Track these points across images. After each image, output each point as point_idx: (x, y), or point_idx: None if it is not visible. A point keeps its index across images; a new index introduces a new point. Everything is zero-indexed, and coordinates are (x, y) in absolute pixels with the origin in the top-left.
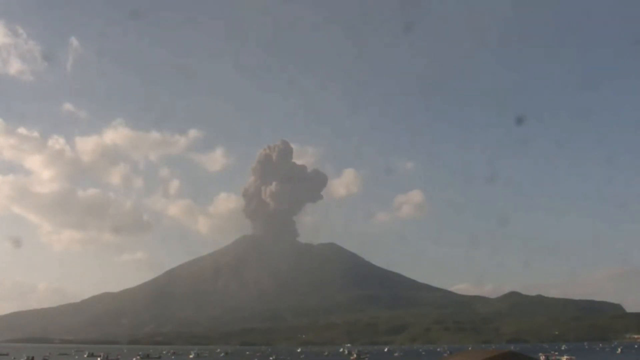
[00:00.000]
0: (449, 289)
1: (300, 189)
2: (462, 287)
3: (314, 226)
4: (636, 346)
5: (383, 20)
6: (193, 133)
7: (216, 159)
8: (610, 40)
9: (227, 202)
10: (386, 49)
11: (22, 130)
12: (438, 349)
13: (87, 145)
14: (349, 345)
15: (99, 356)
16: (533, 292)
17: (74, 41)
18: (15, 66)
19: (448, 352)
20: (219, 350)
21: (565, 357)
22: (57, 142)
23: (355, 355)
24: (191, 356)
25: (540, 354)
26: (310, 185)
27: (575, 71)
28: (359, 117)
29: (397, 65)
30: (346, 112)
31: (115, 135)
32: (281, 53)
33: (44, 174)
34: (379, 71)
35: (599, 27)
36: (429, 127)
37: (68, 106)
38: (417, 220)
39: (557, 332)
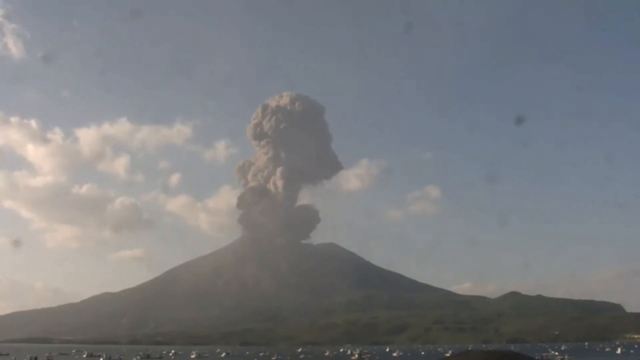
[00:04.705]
0: (449, 289)
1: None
2: (462, 287)
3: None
4: (636, 346)
5: (388, 15)
6: (195, 124)
7: (219, 152)
8: (610, 40)
9: (229, 197)
10: (392, 45)
11: (16, 119)
12: (438, 349)
13: (85, 136)
14: (349, 345)
15: (100, 356)
16: (533, 292)
17: (75, 25)
18: (11, 51)
19: (450, 352)
20: (219, 350)
21: (561, 357)
22: (53, 132)
23: (356, 356)
24: (193, 356)
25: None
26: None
27: (575, 71)
28: (364, 111)
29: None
30: (351, 105)
31: (114, 127)
32: (286, 48)
33: (39, 166)
34: (383, 68)
35: (598, 27)
36: (431, 125)
37: (66, 95)
38: (418, 219)
39: (557, 332)
